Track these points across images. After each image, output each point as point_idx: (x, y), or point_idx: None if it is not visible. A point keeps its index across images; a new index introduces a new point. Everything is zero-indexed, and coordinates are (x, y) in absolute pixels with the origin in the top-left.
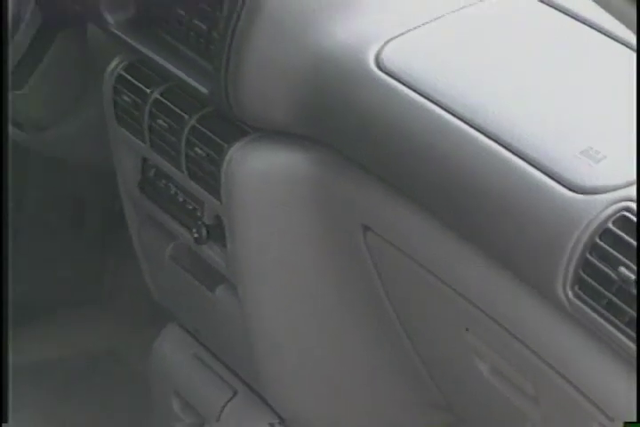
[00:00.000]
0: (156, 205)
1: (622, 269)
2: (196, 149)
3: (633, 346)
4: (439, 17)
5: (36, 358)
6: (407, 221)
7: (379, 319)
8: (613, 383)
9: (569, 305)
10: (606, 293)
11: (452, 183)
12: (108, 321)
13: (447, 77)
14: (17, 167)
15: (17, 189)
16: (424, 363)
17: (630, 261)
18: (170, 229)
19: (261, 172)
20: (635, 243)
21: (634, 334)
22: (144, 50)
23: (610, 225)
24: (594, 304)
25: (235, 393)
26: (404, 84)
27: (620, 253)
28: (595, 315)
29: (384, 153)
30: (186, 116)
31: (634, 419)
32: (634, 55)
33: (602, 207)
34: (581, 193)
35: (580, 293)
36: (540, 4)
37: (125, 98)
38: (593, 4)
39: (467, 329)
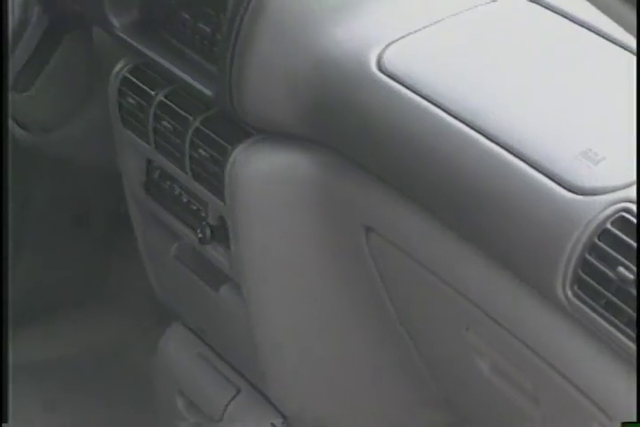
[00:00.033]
0: (160, 205)
1: (621, 269)
2: (200, 150)
3: (632, 345)
4: (440, 20)
5: (40, 357)
6: (408, 222)
7: (381, 320)
8: (613, 383)
9: (568, 305)
10: (605, 292)
11: (453, 184)
12: (113, 321)
13: (448, 80)
14: (23, 168)
15: (23, 189)
16: (426, 363)
17: (629, 261)
18: (174, 229)
19: (264, 173)
20: (633, 243)
21: (633, 334)
22: (149, 53)
23: (609, 226)
24: (593, 304)
25: (238, 392)
26: (405, 87)
27: (619, 254)
28: (594, 314)
29: (385, 154)
30: (190, 118)
31: (633, 419)
32: (632, 58)
33: (601, 208)
34: (580, 194)
35: (580, 292)
36: (540, 7)
37: (130, 100)
38: (593, 7)
39: (467, 328)
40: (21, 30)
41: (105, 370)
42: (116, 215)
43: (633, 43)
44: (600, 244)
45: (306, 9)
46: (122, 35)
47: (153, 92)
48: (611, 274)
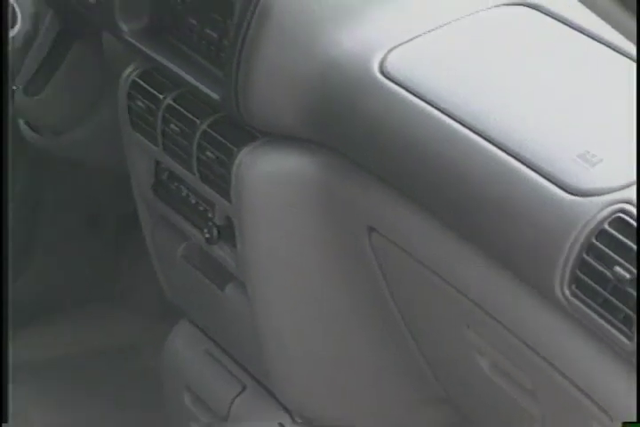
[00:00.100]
0: (168, 206)
1: (618, 268)
2: (207, 152)
3: (628, 342)
4: (442, 25)
5: (51, 355)
6: (410, 222)
7: (383, 319)
8: (613, 383)
9: (567, 303)
10: (602, 291)
11: (454, 186)
12: (122, 318)
13: (449, 84)
14: (35, 171)
15: (34, 192)
16: (427, 362)
17: (625, 261)
18: (182, 229)
19: (270, 175)
20: (630, 243)
21: (629, 332)
22: (157, 57)
23: (606, 226)
24: (590, 302)
25: (244, 388)
26: (407, 91)
27: (616, 254)
28: (591, 313)
29: (388, 157)
30: (197, 121)
31: (633, 418)
32: (630, 64)
33: (598, 209)
34: (578, 195)
35: (577, 291)
36: (541, 14)
37: (139, 103)
38: (594, 15)
39: (467, 326)
40: (33, 36)
41: (114, 366)
42: (125, 216)
43: (632, 49)
44: (597, 244)
45: (310, 15)
46: (131, 40)
47: (161, 96)
48: (608, 273)
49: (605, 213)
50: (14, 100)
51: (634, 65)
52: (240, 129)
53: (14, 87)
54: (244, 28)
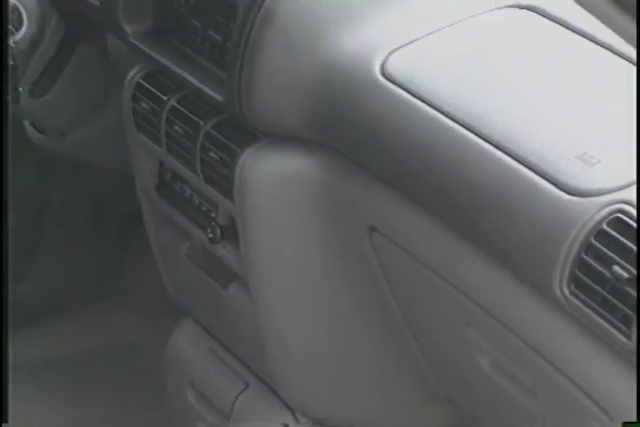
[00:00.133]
0: (172, 206)
1: (616, 268)
2: (211, 153)
3: (627, 341)
4: (442, 28)
5: (55, 353)
6: (412, 223)
7: (385, 319)
8: (613, 382)
9: (566, 303)
10: (601, 291)
11: (455, 186)
12: (126, 317)
13: (449, 86)
14: (41, 172)
15: (40, 193)
16: (429, 361)
17: (624, 260)
18: (185, 229)
19: (272, 175)
20: (628, 243)
21: (627, 330)
22: (161, 59)
23: (604, 226)
24: (589, 302)
25: (247, 385)
26: (407, 92)
27: (615, 253)
28: (590, 312)
29: (389, 158)
30: (201, 123)
31: (633, 418)
32: (629, 66)
33: (596, 209)
34: (577, 196)
35: (576, 291)
36: (542, 17)
37: (144, 105)
38: (594, 18)
39: (468, 325)
40: (39, 38)
41: (117, 367)
42: (128, 216)
43: (632, 53)
44: (596, 244)
45: (312, 17)
46: (135, 42)
47: (165, 98)
48: (606, 273)
49: (604, 213)
50: (20, 101)
51: (633, 68)
52: (243, 130)
53: (20, 89)
54: (247, 30)
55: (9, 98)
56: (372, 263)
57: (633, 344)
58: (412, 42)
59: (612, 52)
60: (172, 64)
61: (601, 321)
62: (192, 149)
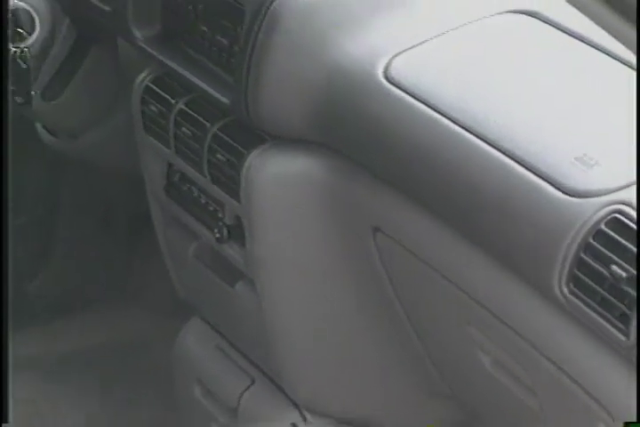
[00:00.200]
0: (180, 207)
1: (614, 267)
2: (218, 155)
3: (625, 339)
4: (445, 32)
5: (65, 352)
6: (414, 223)
7: (389, 318)
8: (610, 378)
9: (565, 301)
10: (599, 289)
11: (456, 188)
12: (135, 316)
13: (451, 89)
14: (52, 172)
15: (52, 193)
16: (433, 362)
17: (622, 260)
18: (193, 229)
19: (278, 176)
20: (626, 243)
21: (625, 328)
22: (170, 63)
23: (602, 226)
24: (588, 300)
25: (253, 381)
26: (410, 95)
27: (613, 253)
28: (589, 310)
29: (392, 160)
30: (208, 125)
31: (633, 418)
32: (628, 71)
33: (595, 210)
34: (576, 196)
35: (575, 290)
36: (542, 23)
37: (152, 108)
38: (594, 24)
39: (469, 324)
40: (51, 42)
41: (127, 364)
42: (137, 217)
43: (632, 58)
44: (594, 244)
45: (317, 22)
46: (144, 46)
47: (173, 101)
48: (605, 272)
49: (602, 213)
50: (32, 104)
51: (632, 72)
52: (249, 132)
53: (33, 92)
54: (254, 35)
55: (21, 101)
56: (375, 263)
57: (631, 342)
58: (414, 46)
59: (611, 57)
60: (181, 68)
61: (599, 319)
62: (199, 150)
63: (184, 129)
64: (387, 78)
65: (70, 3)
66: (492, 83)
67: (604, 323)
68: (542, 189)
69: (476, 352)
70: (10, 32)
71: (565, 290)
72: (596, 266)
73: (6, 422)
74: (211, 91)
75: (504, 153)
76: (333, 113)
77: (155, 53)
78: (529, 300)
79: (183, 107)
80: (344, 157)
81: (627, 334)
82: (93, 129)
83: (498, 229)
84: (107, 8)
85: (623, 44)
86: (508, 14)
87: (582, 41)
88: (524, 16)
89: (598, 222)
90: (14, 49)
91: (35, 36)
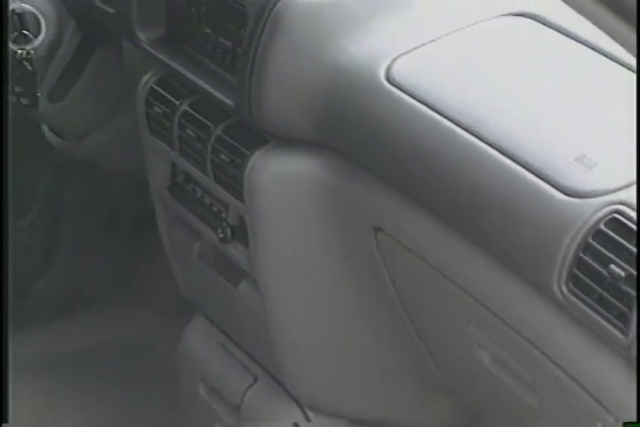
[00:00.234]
0: (184, 207)
1: (613, 267)
2: (222, 155)
3: (623, 337)
4: (446, 34)
5: (69, 351)
6: (415, 223)
7: (390, 317)
8: (609, 376)
9: (564, 300)
10: (598, 289)
11: (457, 188)
12: (140, 315)
13: (452, 90)
14: (58, 173)
15: (58, 193)
16: (434, 360)
17: (621, 259)
18: (197, 229)
19: (280, 177)
20: (625, 243)
21: (624, 327)
22: (174, 65)
23: (602, 226)
24: (587, 299)
25: (256, 379)
26: (411, 96)
27: (612, 253)
28: (588, 309)
29: (392, 160)
30: (212, 126)
31: (633, 418)
32: (627, 73)
33: (594, 210)
34: (576, 197)
35: (575, 289)
36: (542, 25)
37: (157, 109)
38: (593, 27)
39: (469, 322)
40: (57, 45)
41: (132, 363)
42: (142, 217)
43: (631, 61)
44: (594, 243)
45: (320, 25)
46: (149, 48)
47: (178, 102)
48: (604, 272)
49: (601, 213)
50: (39, 106)
51: (630, 74)
52: (252, 133)
53: (39, 94)
54: (257, 37)
55: (28, 102)
56: (376, 262)
57: (629, 341)
58: (416, 48)
59: (610, 59)
60: (185, 70)
61: (598, 318)
62: (203, 151)
63: (188, 130)
64: (388, 80)
65: (76, 5)
66: (492, 84)
67: (603, 322)
68: (542, 189)
69: (477, 351)
70: (16, 35)
71: (565, 289)
72: (596, 266)
73: (6, 422)
74: (214, 92)
75: (504, 154)
76: (335, 114)
77: (159, 55)
78: (529, 299)
79: (187, 108)
80: (346, 158)
81: (625, 333)
82: (99, 130)
83: (498, 229)
84: (111, 11)
85: (623, 46)
86: (508, 17)
87: (581, 43)
88: (523, 18)
89: (597, 222)
90: (20, 51)
91: (41, 38)
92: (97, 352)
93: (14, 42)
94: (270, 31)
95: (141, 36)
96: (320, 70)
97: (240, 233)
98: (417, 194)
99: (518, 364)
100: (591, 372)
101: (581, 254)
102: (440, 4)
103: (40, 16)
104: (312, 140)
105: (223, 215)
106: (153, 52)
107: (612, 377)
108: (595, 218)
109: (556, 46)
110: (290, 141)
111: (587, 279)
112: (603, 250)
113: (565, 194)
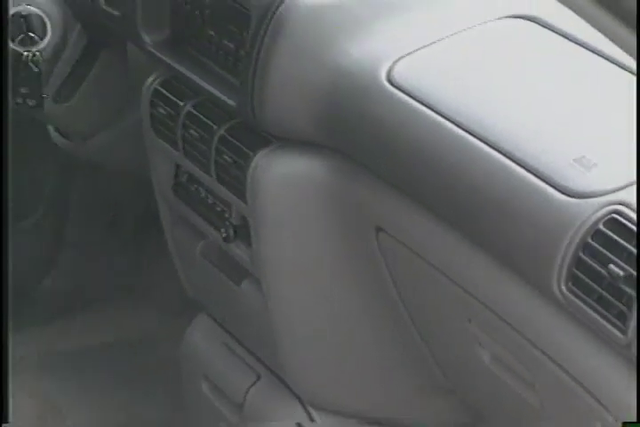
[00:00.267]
0: (188, 207)
1: (612, 266)
2: (225, 156)
3: (622, 336)
4: (446, 37)
5: (73, 349)
6: (416, 223)
7: (392, 316)
8: (608, 375)
9: (563, 300)
10: (597, 288)
11: (457, 188)
12: (144, 313)
13: (453, 92)
14: (64, 174)
15: (63, 194)
16: (435, 358)
17: (620, 259)
18: (200, 228)
19: (283, 177)
20: (624, 243)
21: (623, 326)
22: (178, 67)
23: (601, 226)
24: (586, 298)
25: (258, 377)
26: (412, 98)
27: (610, 253)
28: (587, 308)
29: (394, 161)
30: (215, 127)
31: (633, 418)
32: (627, 75)
33: (593, 210)
34: (575, 197)
35: (574, 288)
36: (542, 28)
37: (161, 110)
38: (593, 29)
39: (469, 321)
40: (62, 47)
41: (135, 360)
42: (146, 217)
43: (631, 63)
44: (593, 243)
45: (322, 27)
46: (153, 50)
47: (181, 103)
48: (603, 271)
49: (600, 214)
50: (45, 107)
51: (630, 77)
52: (255, 134)
53: (44, 95)
54: (260, 39)
55: (34, 104)
56: (378, 262)
57: (628, 340)
58: (417, 50)
59: (610, 61)
60: (188, 71)
61: (597, 317)
62: (207, 152)
63: (192, 131)
64: (389, 81)
65: (81, 8)
66: (492, 86)
67: (602, 321)
68: (542, 190)
69: (477, 350)
70: (22, 37)
71: (564, 289)
72: (595, 265)
73: (6, 422)
74: (218, 94)
75: (504, 155)
76: (337, 115)
77: (163, 57)
78: (529, 299)
79: (191, 109)
80: (348, 159)
81: (624, 332)
82: (103, 131)
83: (498, 229)
84: (117, 13)
85: (622, 48)
86: (509, 19)
87: (581, 45)
88: (523, 21)
89: (597, 223)
90: (26, 53)
91: (46, 40)
92: (99, 352)
93: (20, 44)
94: (273, 34)
95: (146, 38)
96: (322, 72)
97: (243, 233)
98: (418, 194)
99: (519, 364)
100: (591, 371)
101: (581, 254)
102: (441, 7)
103: (46, 18)
104: (314, 141)
105: (226, 215)
106: (157, 54)
107: (612, 376)
108: (594, 218)
109: (555, 48)
110: (292, 142)
111: (586, 279)
112: (602, 250)
113: (565, 194)
